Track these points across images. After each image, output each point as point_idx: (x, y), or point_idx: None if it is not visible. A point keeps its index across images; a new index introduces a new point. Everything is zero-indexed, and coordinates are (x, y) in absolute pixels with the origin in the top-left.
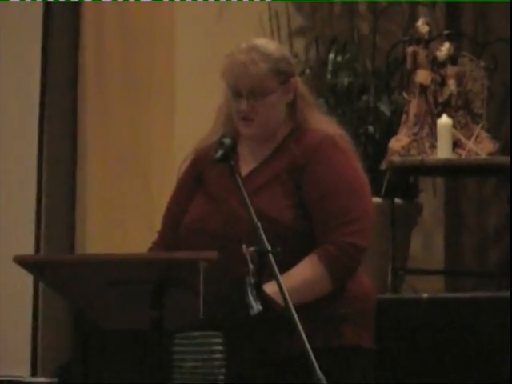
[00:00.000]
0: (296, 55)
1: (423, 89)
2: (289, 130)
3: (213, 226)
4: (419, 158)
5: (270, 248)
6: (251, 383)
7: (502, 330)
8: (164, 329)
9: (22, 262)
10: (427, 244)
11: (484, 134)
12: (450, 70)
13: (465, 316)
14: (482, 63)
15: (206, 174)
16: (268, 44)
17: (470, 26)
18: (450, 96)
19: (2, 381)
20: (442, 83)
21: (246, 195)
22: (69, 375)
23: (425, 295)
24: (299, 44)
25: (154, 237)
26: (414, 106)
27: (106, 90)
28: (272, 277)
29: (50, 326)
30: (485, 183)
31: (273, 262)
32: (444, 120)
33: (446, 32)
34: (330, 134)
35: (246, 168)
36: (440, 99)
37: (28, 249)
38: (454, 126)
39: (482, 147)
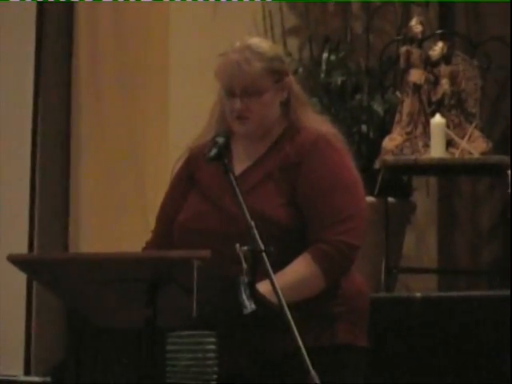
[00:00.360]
0: (289, 54)
1: (416, 88)
2: (282, 128)
3: (207, 225)
4: (413, 157)
5: (263, 247)
6: (244, 382)
7: (495, 328)
8: (157, 327)
9: (16, 260)
10: (420, 243)
11: (477, 133)
12: (444, 69)
13: (458, 314)
14: (476, 62)
15: (200, 172)
16: (261, 43)
17: (463, 25)
18: (444, 95)
19: None
20: (436, 82)
21: (239, 194)
22: (62, 374)
23: (418, 294)
24: (293, 43)
25: (148, 236)
26: (407, 105)
27: (100, 89)
28: (265, 276)
29: (44, 325)
30: (478, 182)
31: (266, 260)
32: (437, 119)
33: (439, 31)
34: (324, 132)
35: (239, 167)
36: (433, 98)
37: (22, 248)
38: (447, 125)
39: (475, 146)
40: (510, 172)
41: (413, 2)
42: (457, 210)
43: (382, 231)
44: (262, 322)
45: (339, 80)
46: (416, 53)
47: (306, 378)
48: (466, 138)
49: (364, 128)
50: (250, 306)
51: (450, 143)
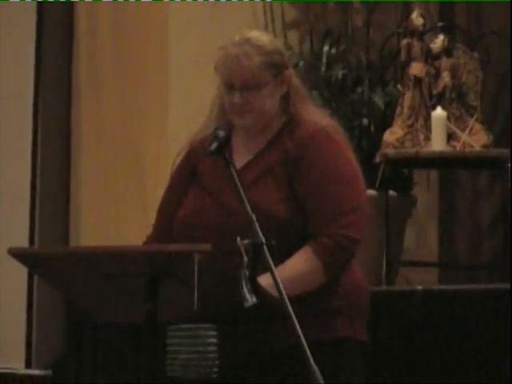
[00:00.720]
0: (290, 48)
1: (417, 81)
2: (282, 122)
3: (207, 220)
4: (413, 150)
5: (264, 240)
6: (245, 376)
7: (495, 322)
8: (158, 321)
9: (17, 254)
10: (421, 236)
11: (478, 126)
12: (445, 62)
13: (459, 308)
14: (476, 55)
15: (200, 167)
16: (261, 37)
17: (463, 18)
18: (445, 88)
19: None
20: (437, 75)
21: (240, 188)
22: (63, 368)
23: (419, 287)
24: (293, 37)
25: (149, 230)
26: (408, 99)
27: (100, 83)
28: (266, 269)
29: (45, 318)
30: (479, 175)
31: (267, 254)
32: (438, 112)
33: (440, 24)
34: (323, 125)
35: (240, 161)
36: (434, 91)
37: (22, 241)
38: (448, 118)
39: (476, 139)
40: (510, 165)
41: None
42: (457, 203)
43: (383, 225)
44: (262, 316)
45: (340, 73)
46: (417, 46)
47: (307, 372)
48: (467, 131)
49: (365, 121)
50: (251, 299)
51: (450, 136)
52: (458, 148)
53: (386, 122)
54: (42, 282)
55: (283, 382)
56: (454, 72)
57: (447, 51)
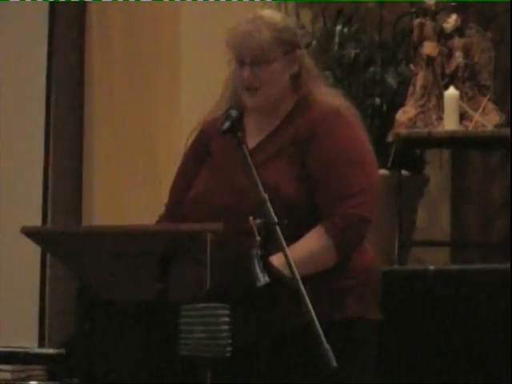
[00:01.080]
0: (302, 27)
1: (430, 60)
2: (294, 103)
3: (219, 199)
4: (426, 130)
5: (276, 220)
6: (257, 355)
7: (507, 301)
8: (170, 300)
9: (30, 233)
10: (433, 216)
11: (491, 106)
12: (457, 41)
13: (470, 287)
14: (489, 35)
15: (213, 146)
16: (273, 14)
17: None
18: (457, 68)
19: (9, 352)
20: (449, 55)
21: (252, 167)
22: (76, 346)
23: (431, 267)
24: (306, 16)
25: (161, 210)
26: (420, 78)
27: (112, 65)
28: (278, 249)
29: (58, 297)
30: (491, 155)
31: (279, 233)
32: (451, 92)
33: (452, 3)
34: (336, 106)
35: (251, 142)
36: (447, 71)
37: (35, 221)
38: (460, 97)
39: (488, 119)
40: None
41: None
42: (470, 183)
43: (395, 204)
44: (275, 295)
45: (352, 53)
46: (429, 25)
47: (319, 351)
48: (480, 110)
49: (377, 101)
50: (263, 278)
51: (463, 116)
52: (470, 128)
53: (398, 102)
54: (55, 261)
55: (295, 362)
56: (466, 51)
57: (460, 31)
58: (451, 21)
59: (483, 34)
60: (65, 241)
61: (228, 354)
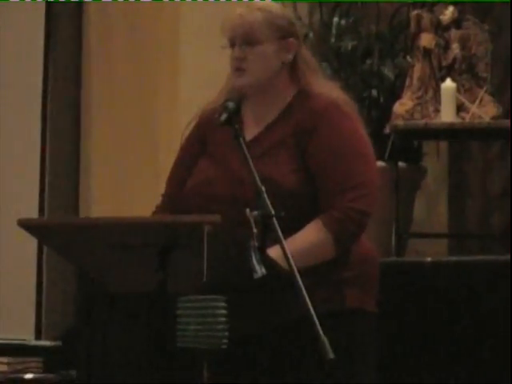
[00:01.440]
0: (300, 19)
1: (427, 52)
2: (292, 95)
3: (217, 190)
4: (423, 121)
5: (273, 212)
6: (254, 347)
7: (505, 292)
8: (168, 292)
9: (27, 225)
10: (431, 208)
11: (488, 98)
12: (454, 33)
13: (468, 279)
14: (486, 27)
15: (211, 137)
16: (271, 3)
17: None
18: (454, 60)
19: (6, 344)
20: (446, 47)
21: (249, 159)
22: (73, 339)
23: (428, 259)
24: (303, 8)
25: (159, 200)
26: (417, 70)
27: (111, 54)
28: (276, 241)
29: (55, 289)
30: (488, 147)
31: (276, 225)
32: (448, 84)
33: None
34: (334, 98)
35: (250, 133)
36: (444, 63)
37: (32, 212)
38: (457, 89)
39: (485, 111)
40: None
41: None
42: (467, 174)
43: (393, 196)
44: (272, 287)
45: (349, 45)
46: (427, 17)
47: (317, 343)
48: (477, 102)
49: (374, 93)
50: (260, 270)
51: (460, 108)
52: (467, 119)
53: (395, 94)
54: (52, 253)
55: (292, 353)
56: (463, 43)
57: (457, 22)
58: (448, 13)
59: (480, 25)
60: (62, 233)
61: (225, 346)
